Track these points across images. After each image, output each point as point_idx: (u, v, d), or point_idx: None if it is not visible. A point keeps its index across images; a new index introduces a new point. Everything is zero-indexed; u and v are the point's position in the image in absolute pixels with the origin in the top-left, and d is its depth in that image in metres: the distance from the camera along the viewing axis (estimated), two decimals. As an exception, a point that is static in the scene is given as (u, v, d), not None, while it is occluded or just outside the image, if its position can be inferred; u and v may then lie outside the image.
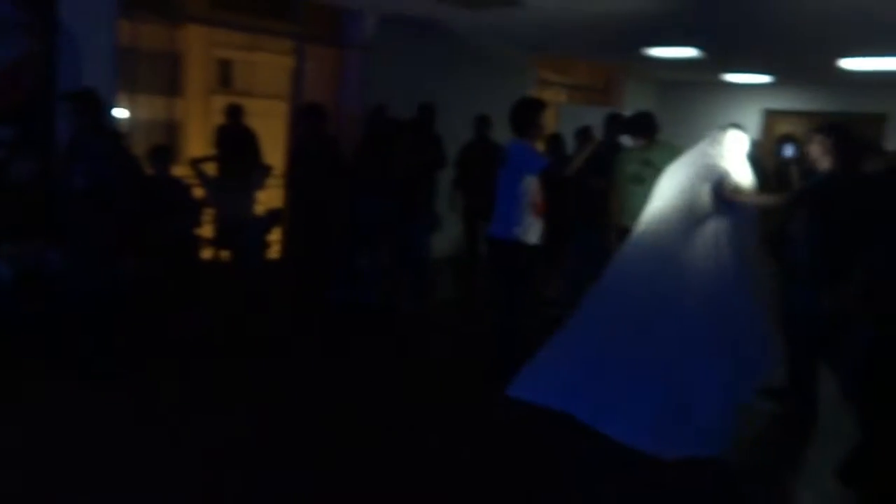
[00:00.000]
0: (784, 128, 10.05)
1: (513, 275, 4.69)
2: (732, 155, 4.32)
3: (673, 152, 5.18)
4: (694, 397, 3.86)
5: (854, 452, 3.26)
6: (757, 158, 5.51)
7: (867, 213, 3.61)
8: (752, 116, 11.62)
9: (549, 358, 4.40)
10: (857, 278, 3.45)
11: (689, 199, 4.29)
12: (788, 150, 7.01)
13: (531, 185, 4.56)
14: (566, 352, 4.34)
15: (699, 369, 3.91)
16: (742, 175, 4.28)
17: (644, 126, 5.29)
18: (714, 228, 4.20)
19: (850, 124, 4.55)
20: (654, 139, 5.32)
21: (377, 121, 6.20)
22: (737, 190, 4.20)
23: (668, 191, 4.44)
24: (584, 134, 6.54)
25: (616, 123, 6.04)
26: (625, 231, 5.26)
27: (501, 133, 5.75)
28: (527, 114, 4.60)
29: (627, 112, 6.19)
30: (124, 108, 5.80)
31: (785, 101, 11.53)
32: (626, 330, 4.18)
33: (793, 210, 4.38)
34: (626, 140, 5.65)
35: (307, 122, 6.14)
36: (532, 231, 4.61)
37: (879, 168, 4.40)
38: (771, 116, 11.61)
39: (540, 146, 5.33)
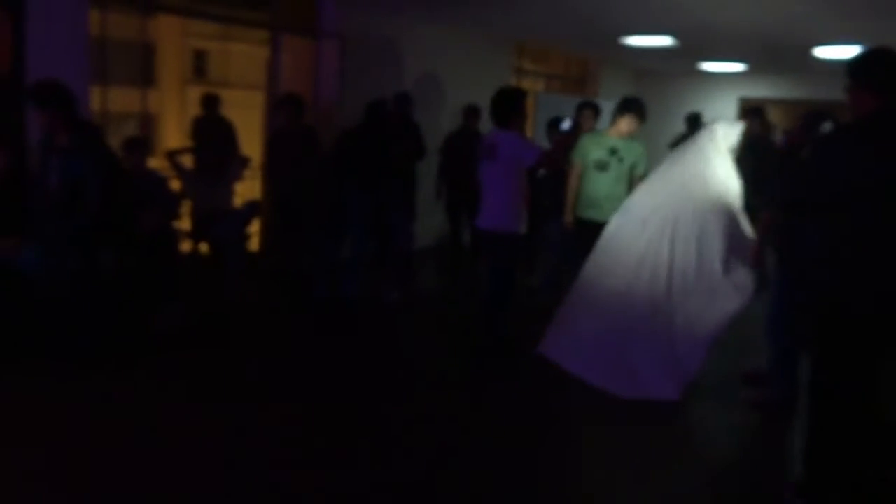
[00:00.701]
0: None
1: (503, 265, 4.67)
2: (726, 152, 4.35)
3: (638, 148, 5.25)
4: (684, 349, 4.28)
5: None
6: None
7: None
8: (728, 105, 11.74)
9: (564, 323, 4.67)
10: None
11: (696, 197, 4.34)
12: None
13: (522, 176, 4.55)
14: (574, 320, 4.61)
15: (690, 324, 4.28)
16: (729, 175, 4.33)
17: (643, 109, 5.25)
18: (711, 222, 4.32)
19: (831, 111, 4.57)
20: (641, 126, 5.31)
21: (379, 115, 5.91)
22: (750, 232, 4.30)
23: (669, 181, 4.47)
24: (573, 123, 6.53)
25: (590, 108, 6.03)
26: (580, 222, 5.29)
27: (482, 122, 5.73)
28: (511, 104, 4.54)
29: (605, 101, 6.19)
30: (97, 100, 5.70)
31: (760, 90, 11.65)
32: (627, 296, 4.43)
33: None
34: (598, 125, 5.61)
35: (285, 112, 6.08)
36: (523, 221, 4.63)
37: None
38: (746, 105, 11.72)
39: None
